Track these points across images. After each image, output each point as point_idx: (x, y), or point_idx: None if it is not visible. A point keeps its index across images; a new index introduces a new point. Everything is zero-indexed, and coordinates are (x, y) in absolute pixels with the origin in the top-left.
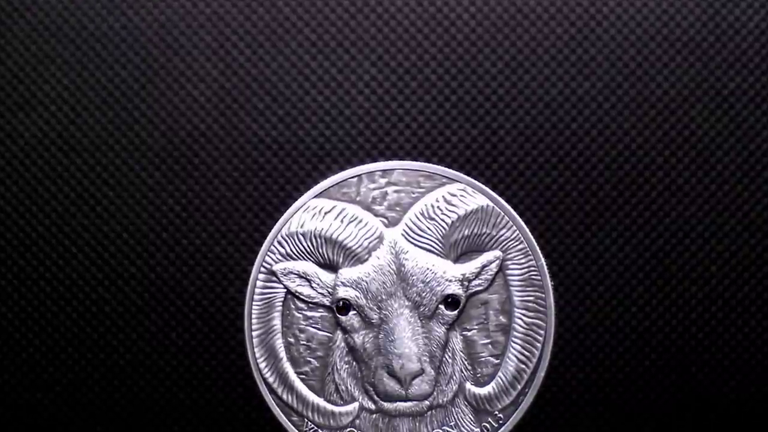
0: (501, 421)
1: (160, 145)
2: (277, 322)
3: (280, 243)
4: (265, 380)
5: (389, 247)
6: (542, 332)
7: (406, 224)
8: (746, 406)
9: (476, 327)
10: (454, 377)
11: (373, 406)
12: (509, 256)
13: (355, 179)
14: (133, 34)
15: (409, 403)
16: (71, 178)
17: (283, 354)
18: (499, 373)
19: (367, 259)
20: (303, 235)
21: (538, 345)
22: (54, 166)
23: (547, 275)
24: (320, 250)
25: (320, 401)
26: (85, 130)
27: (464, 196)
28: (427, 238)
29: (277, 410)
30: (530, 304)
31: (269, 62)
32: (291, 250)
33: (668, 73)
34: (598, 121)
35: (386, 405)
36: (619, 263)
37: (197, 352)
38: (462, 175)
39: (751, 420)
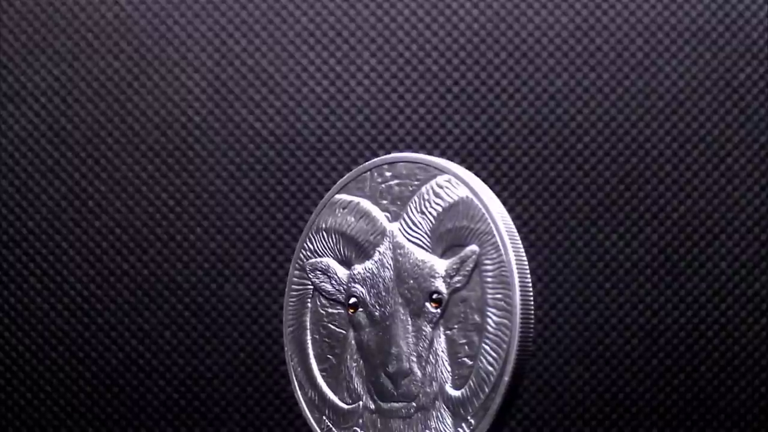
0: (472, 427)
1: (154, 137)
2: (306, 319)
3: (310, 239)
4: (296, 376)
5: (389, 243)
6: (509, 333)
7: (403, 218)
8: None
9: (456, 326)
10: (436, 379)
11: (373, 406)
12: (484, 251)
13: (368, 173)
14: (126, 23)
15: (400, 404)
16: (62, 171)
17: (310, 351)
18: (472, 375)
19: (372, 255)
20: (326, 231)
21: (505, 346)
22: (44, 159)
23: (515, 272)
24: (337, 246)
25: (335, 399)
26: (77, 122)
27: (449, 187)
28: (418, 232)
29: (303, 406)
30: (500, 303)
31: (266, 53)
32: (317, 246)
33: (676, 63)
34: (604, 113)
35: (383, 405)
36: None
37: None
38: (448, 165)
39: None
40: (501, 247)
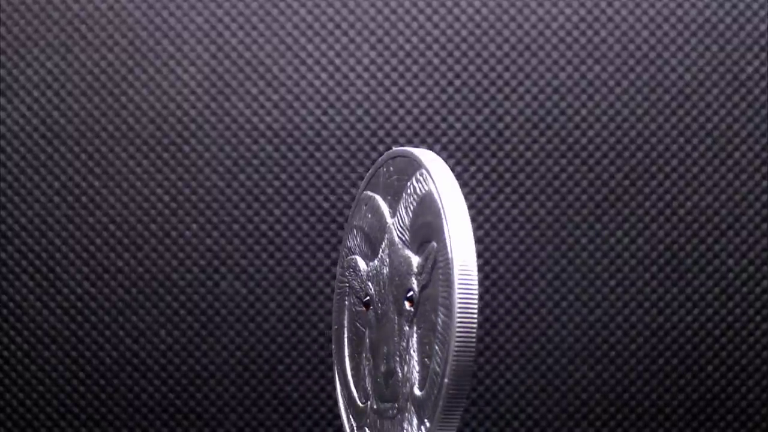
0: (428, 429)
1: (149, 132)
2: (344, 317)
3: (347, 237)
4: (337, 374)
5: (387, 239)
6: (450, 332)
7: (397, 214)
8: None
9: (423, 325)
10: (409, 379)
11: (375, 406)
12: (440, 247)
13: (381, 169)
14: (120, 15)
15: (388, 404)
16: (55, 167)
17: (346, 349)
18: (428, 376)
19: (378, 252)
20: (355, 228)
21: (447, 347)
22: (37, 154)
23: (455, 270)
24: (361, 243)
25: (356, 398)
26: (70, 116)
27: (422, 181)
28: (403, 228)
29: (339, 404)
30: (446, 301)
31: (263, 45)
32: (351, 243)
33: (682, 56)
34: (609, 107)
35: (380, 405)
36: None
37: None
38: (423, 157)
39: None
40: (447, 244)
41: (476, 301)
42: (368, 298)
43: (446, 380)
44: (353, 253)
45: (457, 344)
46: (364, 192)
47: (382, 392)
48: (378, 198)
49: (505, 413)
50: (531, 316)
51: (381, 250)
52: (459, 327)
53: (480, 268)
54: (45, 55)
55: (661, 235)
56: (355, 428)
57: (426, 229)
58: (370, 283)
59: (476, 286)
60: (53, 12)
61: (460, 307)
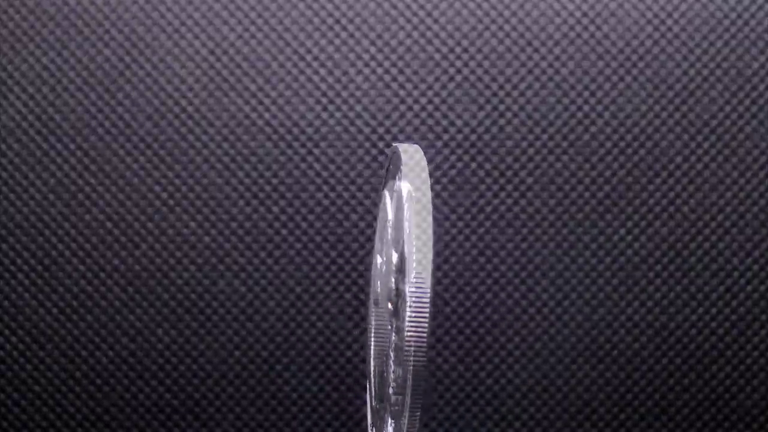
0: (395, 428)
1: (146, 129)
2: (372, 318)
3: (376, 235)
4: (367, 377)
5: (386, 237)
6: (402, 333)
7: (391, 211)
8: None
9: (397, 325)
10: (387, 381)
11: (377, 406)
12: (404, 245)
13: (391, 166)
14: (117, 10)
15: (381, 404)
16: (51, 164)
17: (371, 350)
18: (399, 378)
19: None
20: (377, 226)
21: (401, 347)
22: (32, 151)
23: (410, 266)
24: (379, 241)
25: (373, 398)
26: (66, 113)
27: (400, 178)
28: (392, 226)
29: (367, 402)
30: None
31: (262, 40)
32: (377, 242)
33: (686, 52)
34: (611, 102)
35: (378, 404)
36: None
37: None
38: (402, 152)
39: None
40: (405, 241)
41: (428, 303)
42: (377, 296)
43: (399, 381)
44: (378, 252)
45: (407, 345)
46: (384, 189)
47: (378, 391)
48: (387, 195)
49: (506, 413)
50: (533, 315)
51: (383, 248)
52: (410, 328)
53: (481, 267)
54: (41, 50)
55: (664, 233)
56: (369, 427)
57: (400, 226)
58: (378, 282)
59: (428, 288)
60: (49, 7)
61: (414, 307)
